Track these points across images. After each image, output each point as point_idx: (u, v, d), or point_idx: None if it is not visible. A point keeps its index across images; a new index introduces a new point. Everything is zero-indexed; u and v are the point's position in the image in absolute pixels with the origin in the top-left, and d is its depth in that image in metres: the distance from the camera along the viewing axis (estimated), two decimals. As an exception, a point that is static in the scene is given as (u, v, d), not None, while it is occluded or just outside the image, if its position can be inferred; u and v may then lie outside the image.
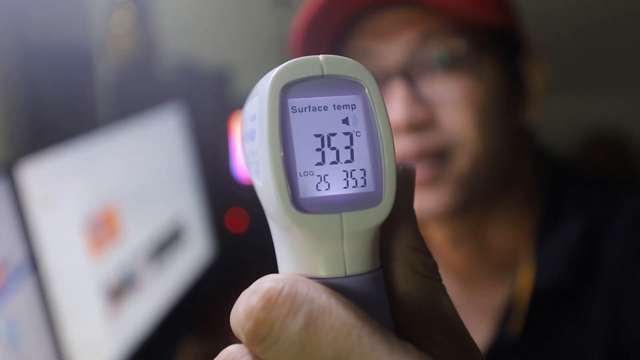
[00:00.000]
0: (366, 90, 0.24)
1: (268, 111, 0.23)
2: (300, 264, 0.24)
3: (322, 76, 0.24)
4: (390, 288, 0.25)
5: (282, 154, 0.23)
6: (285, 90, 0.24)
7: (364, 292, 0.23)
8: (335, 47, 0.70)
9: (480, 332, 0.72)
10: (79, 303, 0.83)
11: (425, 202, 0.65)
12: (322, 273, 0.23)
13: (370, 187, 0.24)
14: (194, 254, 1.17)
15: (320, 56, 0.24)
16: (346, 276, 0.23)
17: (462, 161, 0.64)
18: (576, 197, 0.69)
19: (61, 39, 1.20)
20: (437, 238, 0.73)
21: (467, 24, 0.64)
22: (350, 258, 0.24)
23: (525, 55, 0.70)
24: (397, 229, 0.25)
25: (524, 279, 0.68)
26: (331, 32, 0.68)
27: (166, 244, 1.07)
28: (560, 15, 1.87)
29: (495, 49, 0.66)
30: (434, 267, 0.26)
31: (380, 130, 0.24)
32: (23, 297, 0.73)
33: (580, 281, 0.66)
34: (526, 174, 0.71)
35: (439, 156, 0.64)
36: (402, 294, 0.25)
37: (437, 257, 0.77)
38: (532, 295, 0.66)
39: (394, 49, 0.65)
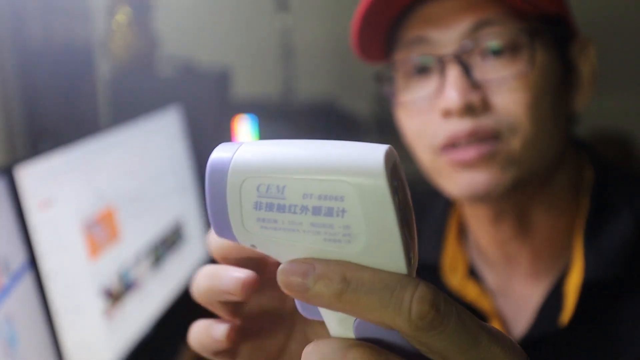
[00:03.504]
0: None
1: (391, 201, 0.28)
2: None
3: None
4: None
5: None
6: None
7: None
8: (390, 35, 0.71)
9: (523, 319, 0.73)
10: (79, 304, 0.84)
11: (477, 178, 0.66)
12: None
13: None
14: (194, 254, 1.18)
15: (387, 147, 0.29)
16: None
17: (514, 143, 0.65)
18: (622, 191, 0.70)
19: (61, 40, 1.20)
20: (478, 216, 0.74)
21: (521, 11, 0.65)
22: None
23: (575, 43, 0.71)
24: None
25: (573, 272, 0.68)
26: (388, 20, 0.69)
27: (166, 245, 1.08)
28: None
29: (548, 36, 0.67)
30: None
31: (407, 187, 0.30)
32: (22, 298, 0.74)
33: (629, 276, 0.66)
34: (571, 162, 0.72)
35: (491, 138, 0.65)
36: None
37: (475, 241, 0.75)
38: (582, 289, 0.66)
39: (448, 36, 0.66)
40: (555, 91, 0.67)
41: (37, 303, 0.76)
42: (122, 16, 1.31)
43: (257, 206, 0.30)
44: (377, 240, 0.28)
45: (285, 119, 1.62)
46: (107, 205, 0.93)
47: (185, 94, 1.27)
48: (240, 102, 1.51)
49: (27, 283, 0.75)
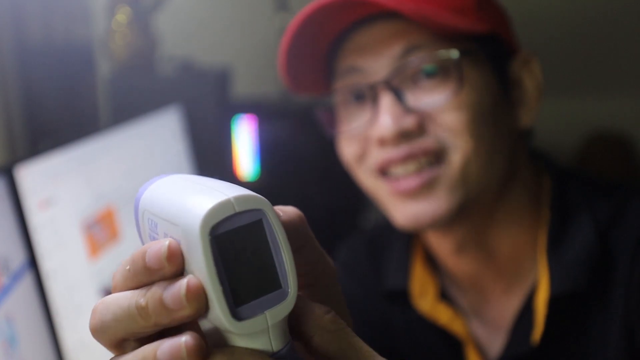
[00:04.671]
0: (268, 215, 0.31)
1: (203, 253, 0.29)
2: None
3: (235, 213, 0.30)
4: (315, 350, 0.32)
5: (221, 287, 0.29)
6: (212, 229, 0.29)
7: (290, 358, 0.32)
8: (323, 66, 0.71)
9: (498, 340, 0.72)
10: (79, 304, 0.84)
11: (421, 209, 0.66)
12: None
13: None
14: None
15: (232, 197, 0.30)
16: (274, 353, 0.31)
17: (454, 162, 0.65)
18: (582, 200, 0.69)
19: (61, 40, 1.20)
20: (440, 247, 0.73)
21: (450, 34, 0.65)
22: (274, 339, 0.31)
23: (514, 59, 0.70)
24: (306, 305, 0.32)
25: (541, 287, 0.67)
26: (317, 51, 0.69)
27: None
28: (560, 18, 1.87)
29: (482, 54, 0.67)
30: (338, 319, 0.32)
31: (281, 242, 0.31)
32: (22, 298, 0.74)
33: (595, 285, 0.66)
34: (526, 177, 0.72)
35: (430, 160, 0.65)
36: (326, 351, 0.32)
37: (443, 267, 0.76)
38: (549, 301, 0.66)
39: (380, 64, 0.66)
40: (493, 108, 0.66)
41: (37, 303, 0.76)
42: (122, 16, 1.31)
43: (150, 237, 0.34)
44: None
45: (285, 118, 1.62)
46: (107, 205, 0.93)
47: (185, 93, 1.27)
48: (240, 102, 1.51)
49: (27, 283, 0.75)
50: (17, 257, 0.74)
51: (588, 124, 1.89)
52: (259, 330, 0.30)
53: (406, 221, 0.67)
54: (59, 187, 0.82)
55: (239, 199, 0.30)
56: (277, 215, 0.31)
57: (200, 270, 0.29)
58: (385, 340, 0.78)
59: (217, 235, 0.29)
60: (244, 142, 1.46)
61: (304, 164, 1.53)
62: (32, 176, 0.77)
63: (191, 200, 0.30)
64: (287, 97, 1.68)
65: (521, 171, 0.71)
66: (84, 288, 0.85)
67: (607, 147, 1.86)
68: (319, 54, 0.70)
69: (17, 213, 0.74)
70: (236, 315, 0.29)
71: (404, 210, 0.67)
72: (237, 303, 0.29)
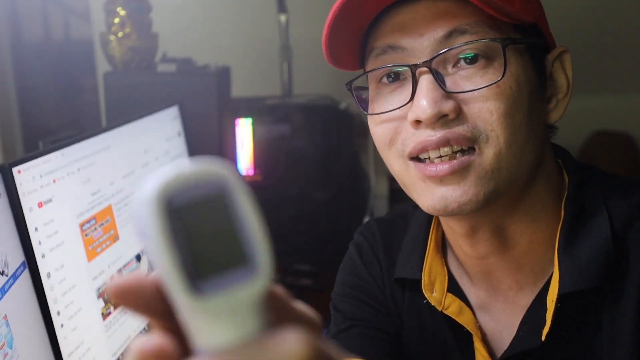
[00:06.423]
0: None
1: (152, 226, 0.27)
2: None
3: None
4: None
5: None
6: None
7: None
8: (360, 44, 0.70)
9: (506, 334, 0.72)
10: (77, 304, 0.83)
11: (449, 193, 0.65)
12: None
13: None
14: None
15: (188, 168, 0.28)
16: None
17: (487, 153, 0.64)
18: (599, 197, 0.69)
19: (60, 40, 1.20)
20: (454, 229, 0.73)
21: (495, 20, 0.64)
22: None
23: (549, 52, 0.70)
24: None
25: (553, 284, 0.67)
26: (359, 28, 0.68)
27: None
28: (562, 16, 1.87)
29: (522, 45, 0.66)
30: None
31: (249, 215, 0.28)
32: (20, 298, 0.74)
33: (608, 284, 0.66)
34: (550, 172, 0.71)
35: (463, 149, 0.65)
36: None
37: (455, 256, 0.73)
38: (558, 298, 0.65)
39: (421, 45, 0.65)
40: (530, 101, 0.66)
41: (35, 303, 0.76)
42: (122, 15, 1.31)
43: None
44: (156, 261, 0.28)
45: (284, 119, 1.62)
46: (106, 205, 0.93)
47: (184, 93, 1.27)
48: (239, 102, 1.51)
49: (25, 283, 0.75)
50: (16, 257, 0.74)
51: (591, 122, 1.90)
52: (225, 310, 0.27)
53: (434, 205, 0.66)
54: (58, 187, 0.82)
55: (196, 170, 0.28)
56: (242, 187, 0.28)
57: (153, 246, 0.27)
58: (393, 323, 0.79)
59: (170, 208, 0.27)
60: (243, 142, 1.46)
61: (302, 164, 1.53)
62: (32, 176, 0.77)
63: (150, 176, 0.29)
64: (286, 97, 1.68)
65: (546, 166, 0.71)
66: (82, 288, 0.85)
67: (610, 146, 1.86)
68: (358, 32, 0.69)
69: (16, 213, 0.74)
70: (194, 292, 0.27)
71: (432, 193, 0.66)
72: (195, 278, 0.27)
